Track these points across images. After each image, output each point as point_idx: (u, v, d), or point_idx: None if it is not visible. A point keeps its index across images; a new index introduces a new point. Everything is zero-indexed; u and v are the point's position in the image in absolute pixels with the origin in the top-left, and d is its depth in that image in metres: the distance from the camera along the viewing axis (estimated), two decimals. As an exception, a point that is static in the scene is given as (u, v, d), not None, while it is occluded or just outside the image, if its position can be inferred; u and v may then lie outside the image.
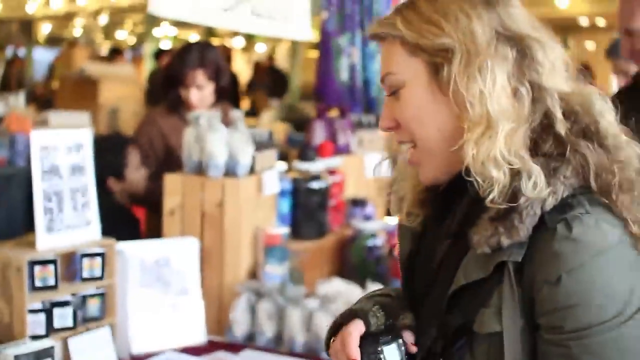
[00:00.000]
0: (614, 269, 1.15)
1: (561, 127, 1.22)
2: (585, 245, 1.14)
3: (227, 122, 2.91)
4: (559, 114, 1.23)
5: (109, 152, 3.25)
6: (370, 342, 1.23)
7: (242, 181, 2.77)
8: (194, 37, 15.92)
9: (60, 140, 2.36)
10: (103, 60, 11.26)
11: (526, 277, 1.18)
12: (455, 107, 1.23)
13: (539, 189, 1.17)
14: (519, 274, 1.18)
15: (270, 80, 12.35)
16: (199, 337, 2.68)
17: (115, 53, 11.70)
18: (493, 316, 1.19)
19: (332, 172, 3.47)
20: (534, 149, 1.22)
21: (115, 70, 9.70)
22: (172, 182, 2.84)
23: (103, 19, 14.46)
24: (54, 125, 5.67)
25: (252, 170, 2.85)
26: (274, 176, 2.95)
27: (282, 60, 17.31)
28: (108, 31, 16.18)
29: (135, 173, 3.30)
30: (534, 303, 1.18)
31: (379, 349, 1.22)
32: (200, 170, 2.81)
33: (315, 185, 3.24)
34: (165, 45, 13.72)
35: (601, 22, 13.38)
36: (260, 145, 2.90)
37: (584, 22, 13.61)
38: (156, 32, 12.49)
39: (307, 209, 3.20)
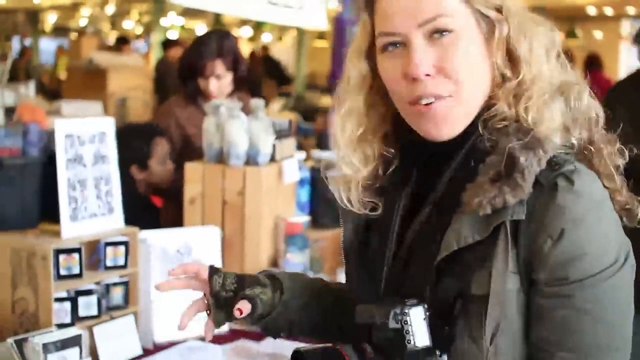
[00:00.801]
0: (608, 219, 1.23)
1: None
2: (586, 196, 1.20)
3: (246, 111, 2.91)
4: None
5: (135, 141, 3.25)
6: (397, 304, 1.23)
7: (263, 170, 2.77)
8: (201, 26, 15.93)
9: (84, 129, 2.37)
10: (111, 50, 11.26)
11: (523, 235, 1.21)
12: (492, 65, 1.28)
13: (552, 146, 1.24)
14: (514, 233, 1.21)
15: (265, 69, 12.32)
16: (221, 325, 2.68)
17: (122, 42, 11.70)
18: (488, 277, 1.21)
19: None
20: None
21: (123, 60, 9.69)
22: (192, 171, 2.84)
23: (110, 9, 14.49)
24: (67, 115, 5.67)
25: (272, 159, 2.85)
26: (294, 165, 2.95)
27: (287, 51, 17.32)
28: (115, 21, 16.19)
29: (160, 165, 3.30)
30: (532, 260, 1.20)
31: (406, 310, 1.22)
32: (220, 158, 2.81)
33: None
34: (173, 35, 13.73)
35: (609, 11, 13.39)
36: (279, 134, 2.90)
37: (591, 11, 13.62)
38: (163, 21, 12.49)
39: (326, 197, 3.20)
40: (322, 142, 3.31)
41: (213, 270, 1.53)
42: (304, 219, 2.91)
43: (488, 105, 1.29)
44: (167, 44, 10.13)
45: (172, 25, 14.37)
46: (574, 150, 1.29)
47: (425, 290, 1.26)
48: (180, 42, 10.54)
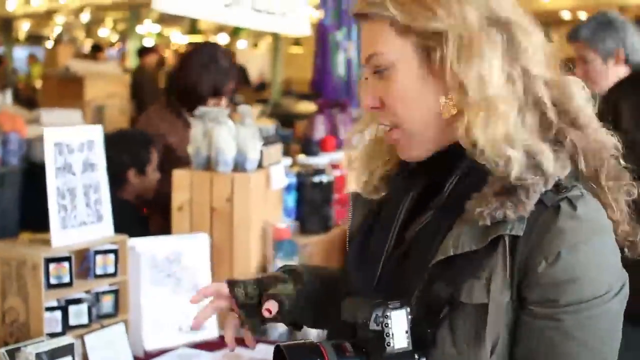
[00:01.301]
0: (608, 248, 1.23)
1: (552, 113, 1.27)
2: (587, 223, 1.20)
3: (232, 117, 2.91)
4: (548, 101, 1.27)
5: (135, 146, 3.24)
6: (380, 306, 1.23)
7: (252, 176, 2.77)
8: (176, 34, 15.90)
9: (73, 137, 2.36)
10: (86, 58, 11.21)
11: (520, 252, 1.21)
12: (442, 89, 1.26)
13: (553, 168, 1.22)
14: (512, 248, 1.22)
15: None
16: (211, 332, 2.68)
17: (97, 50, 11.67)
18: (482, 288, 1.22)
19: (334, 166, 3.49)
20: (530, 131, 1.26)
21: (100, 68, 9.67)
22: (180, 178, 2.83)
23: (85, 17, 14.40)
24: (46, 124, 5.64)
25: (259, 165, 2.86)
26: (281, 170, 2.96)
27: (262, 57, 17.33)
28: (89, 29, 16.11)
29: (155, 173, 3.30)
30: (524, 277, 1.21)
31: (387, 313, 1.22)
32: (208, 165, 2.81)
33: (320, 179, 3.25)
34: (149, 42, 13.68)
35: (583, 16, 13.48)
36: (266, 140, 2.90)
37: (566, 15, 13.74)
38: (139, 29, 12.44)
39: (313, 203, 3.21)
40: (308, 148, 3.31)
41: (232, 284, 1.52)
42: (293, 224, 2.91)
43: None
44: (142, 51, 10.10)
45: (148, 32, 14.31)
46: (579, 179, 1.28)
47: (416, 291, 1.27)
48: (156, 49, 10.52)
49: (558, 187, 1.23)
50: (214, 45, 3.79)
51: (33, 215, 5.21)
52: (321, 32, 4.64)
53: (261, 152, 2.84)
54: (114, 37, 16.61)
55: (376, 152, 1.47)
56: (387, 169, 1.46)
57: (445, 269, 1.25)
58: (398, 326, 1.22)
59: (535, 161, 1.23)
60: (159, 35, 15.47)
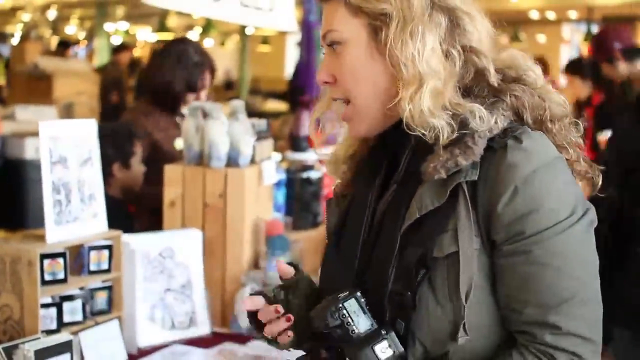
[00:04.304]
0: (562, 176, 1.29)
1: (494, 79, 1.35)
2: (535, 154, 1.26)
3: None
4: (491, 69, 1.35)
5: (118, 139, 3.19)
6: (332, 302, 1.29)
7: (245, 171, 2.75)
8: (145, 32, 15.77)
9: (67, 130, 2.32)
10: (54, 55, 11.07)
11: (480, 197, 1.27)
12: (390, 68, 1.34)
13: (486, 121, 1.29)
14: (472, 196, 1.28)
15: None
16: (204, 329, 2.65)
17: (64, 47, 11.53)
18: (450, 239, 1.27)
19: (322, 162, 3.47)
20: (469, 96, 1.34)
21: (69, 65, 9.54)
22: (172, 174, 2.80)
23: (51, 14, 14.22)
24: (21, 120, 5.56)
25: (252, 161, 2.83)
26: (273, 166, 2.94)
27: (230, 56, 17.25)
28: (56, 26, 15.90)
29: (140, 165, 3.26)
30: (489, 221, 1.26)
31: (340, 305, 1.28)
32: (200, 161, 2.78)
33: (309, 175, 3.24)
34: (116, 40, 13.56)
35: (551, 15, 13.67)
36: (258, 135, 2.88)
37: (534, 15, 13.88)
38: (107, 26, 12.31)
39: (302, 199, 3.20)
40: (297, 144, 3.29)
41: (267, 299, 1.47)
42: (285, 220, 2.90)
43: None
44: (117, 49, 10.01)
45: (116, 30, 14.16)
46: (529, 123, 1.35)
47: (392, 262, 1.31)
48: (129, 47, 10.43)
49: (505, 131, 1.29)
50: (184, 41, 3.73)
51: (8, 212, 5.14)
52: (306, 28, 4.63)
53: (254, 147, 2.81)
54: (81, 35, 16.41)
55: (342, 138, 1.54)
56: (350, 152, 1.52)
57: (414, 233, 1.30)
58: (355, 313, 1.28)
59: (465, 120, 1.29)
60: (127, 33, 15.33)
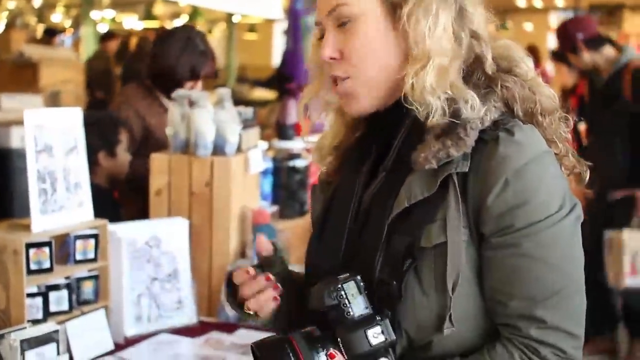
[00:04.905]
0: (552, 170, 1.29)
1: (489, 67, 1.36)
2: (527, 147, 1.26)
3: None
4: (489, 57, 1.36)
5: (103, 128, 3.18)
6: (331, 282, 1.29)
7: (232, 160, 2.74)
8: (131, 19, 15.68)
9: (53, 119, 2.30)
10: (40, 44, 10.99)
11: (471, 189, 1.27)
12: (402, 43, 1.34)
13: (477, 110, 1.29)
14: (462, 187, 1.27)
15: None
16: (191, 318, 2.65)
17: (51, 35, 11.45)
18: (439, 229, 1.27)
19: (309, 150, 3.47)
20: (467, 83, 1.34)
21: (55, 53, 9.48)
22: (158, 162, 2.79)
23: (37, 1, 14.13)
24: (6, 109, 5.51)
25: (238, 149, 2.83)
26: (259, 154, 2.93)
27: (217, 44, 17.18)
28: (41, 13, 15.79)
29: (125, 153, 3.24)
30: (478, 213, 1.26)
31: (339, 286, 1.28)
32: (186, 149, 2.77)
33: (296, 164, 3.24)
34: (103, 27, 13.48)
35: (538, 4, 13.68)
36: (245, 124, 2.87)
37: (521, 3, 13.89)
38: (93, 14, 12.22)
39: (289, 187, 3.20)
40: (284, 132, 3.29)
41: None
42: (272, 208, 2.89)
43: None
44: (104, 37, 9.94)
45: (102, 18, 14.07)
46: (519, 116, 1.36)
47: (379, 250, 1.31)
48: (117, 35, 10.36)
49: (496, 123, 1.29)
50: (191, 28, 3.74)
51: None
52: (293, 16, 4.62)
53: (240, 135, 2.81)
54: (67, 23, 16.30)
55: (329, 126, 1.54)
56: (335, 142, 1.52)
57: (402, 222, 1.30)
58: (352, 295, 1.28)
59: (458, 110, 1.30)
60: (113, 20, 15.24)
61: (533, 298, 1.25)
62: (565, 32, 4.68)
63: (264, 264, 1.47)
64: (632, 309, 4.61)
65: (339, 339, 1.28)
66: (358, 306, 1.28)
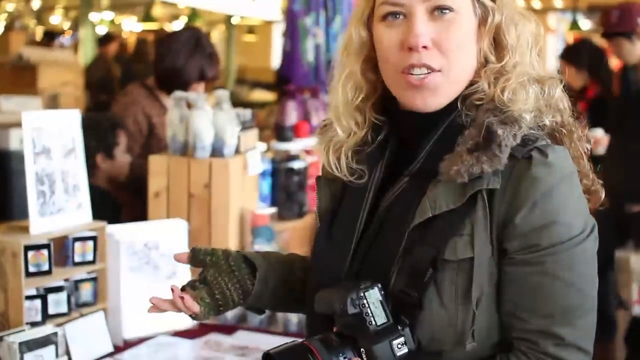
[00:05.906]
0: (577, 190, 1.32)
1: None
2: (557, 168, 1.28)
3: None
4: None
5: (101, 129, 3.18)
6: (352, 290, 1.28)
7: (230, 161, 2.74)
8: (130, 21, 15.67)
9: (51, 121, 2.30)
10: (40, 45, 11.00)
11: (497, 205, 1.28)
12: (483, 51, 1.36)
13: (517, 128, 1.30)
14: (489, 203, 1.28)
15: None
16: (189, 320, 2.64)
17: (50, 37, 11.46)
18: (466, 243, 1.27)
19: (308, 152, 3.47)
20: None
21: (54, 56, 9.47)
22: (157, 164, 2.79)
23: (35, 3, 14.11)
24: (5, 111, 5.53)
25: (236, 151, 2.83)
26: (258, 156, 2.93)
27: (216, 45, 17.19)
28: (40, 16, 15.77)
29: (123, 155, 3.25)
30: (503, 229, 1.27)
31: (361, 294, 1.27)
32: (185, 151, 2.77)
33: (295, 165, 3.24)
34: (102, 30, 13.47)
35: (537, 5, 13.67)
36: (243, 125, 2.87)
37: (520, 4, 13.88)
38: (92, 16, 12.22)
39: (288, 189, 3.20)
40: (282, 133, 3.29)
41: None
42: (270, 210, 2.89)
43: (471, 84, 1.37)
44: (104, 40, 9.94)
45: (101, 20, 14.05)
46: (545, 131, 1.37)
47: (396, 258, 1.31)
48: (116, 37, 10.36)
49: (525, 140, 1.29)
50: (198, 30, 3.75)
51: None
52: (290, 17, 4.62)
53: (238, 137, 2.81)
54: (66, 25, 16.28)
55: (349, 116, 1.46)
56: (350, 144, 1.46)
57: (424, 232, 1.29)
58: (374, 304, 1.28)
59: (491, 126, 1.30)
60: (112, 22, 15.22)
61: (553, 315, 1.27)
62: (629, 14, 4.36)
63: (202, 280, 1.61)
64: None
65: (362, 349, 1.27)
66: (380, 316, 1.28)
